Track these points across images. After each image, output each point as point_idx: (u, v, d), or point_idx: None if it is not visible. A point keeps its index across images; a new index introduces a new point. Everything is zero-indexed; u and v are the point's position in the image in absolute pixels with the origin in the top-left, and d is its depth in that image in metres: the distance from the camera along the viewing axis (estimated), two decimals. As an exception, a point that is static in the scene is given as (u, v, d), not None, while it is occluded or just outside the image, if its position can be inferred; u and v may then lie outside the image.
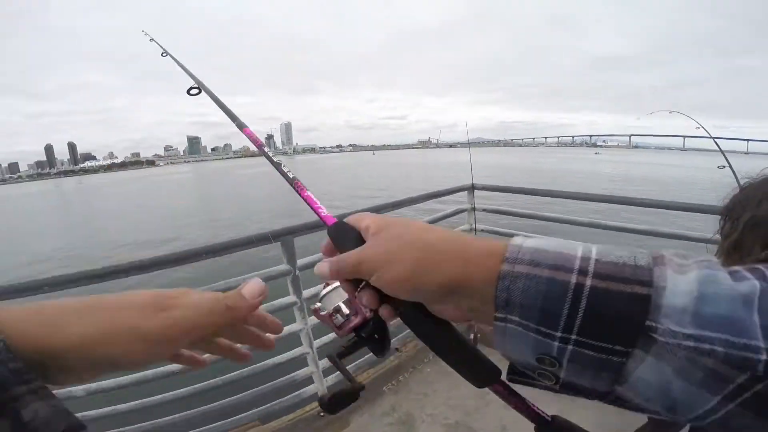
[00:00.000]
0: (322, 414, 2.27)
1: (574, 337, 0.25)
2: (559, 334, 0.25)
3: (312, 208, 0.45)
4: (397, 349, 2.84)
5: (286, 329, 2.08)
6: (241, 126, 0.61)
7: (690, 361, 0.22)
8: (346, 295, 0.53)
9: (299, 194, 0.47)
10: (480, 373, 0.35)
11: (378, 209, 2.36)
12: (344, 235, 0.37)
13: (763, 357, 0.21)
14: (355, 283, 0.37)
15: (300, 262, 2.01)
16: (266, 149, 0.53)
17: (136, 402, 1.79)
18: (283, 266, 1.97)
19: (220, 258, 1.88)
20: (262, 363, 2.06)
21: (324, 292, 0.56)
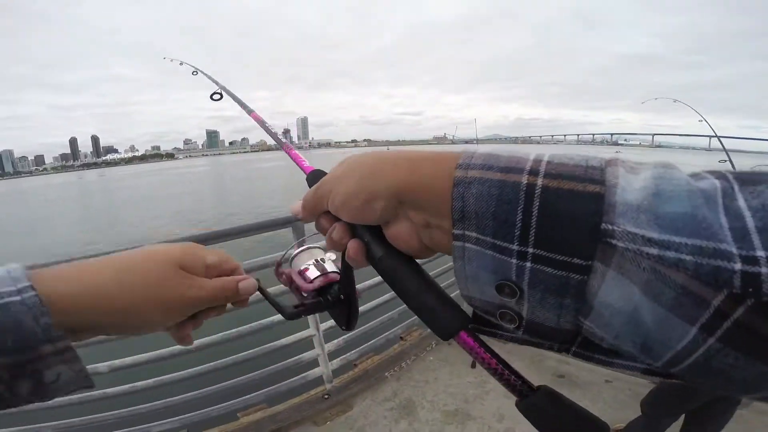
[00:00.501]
0: (326, 396, 2.38)
1: (531, 250, 0.23)
2: (515, 247, 0.24)
3: (296, 162, 0.53)
4: (401, 338, 2.92)
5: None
6: (249, 111, 0.74)
7: (656, 275, 0.20)
8: (318, 256, 0.53)
9: (287, 153, 0.57)
10: (446, 317, 0.32)
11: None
12: (317, 179, 0.39)
13: (738, 266, 0.18)
14: (329, 222, 0.37)
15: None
16: (282, 139, 0.64)
17: (148, 381, 1.91)
18: (294, 251, 2.04)
19: (241, 240, 2.05)
20: (270, 344, 2.17)
21: (296, 251, 0.54)
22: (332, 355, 2.42)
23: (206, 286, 0.41)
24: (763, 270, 0.18)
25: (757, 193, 0.19)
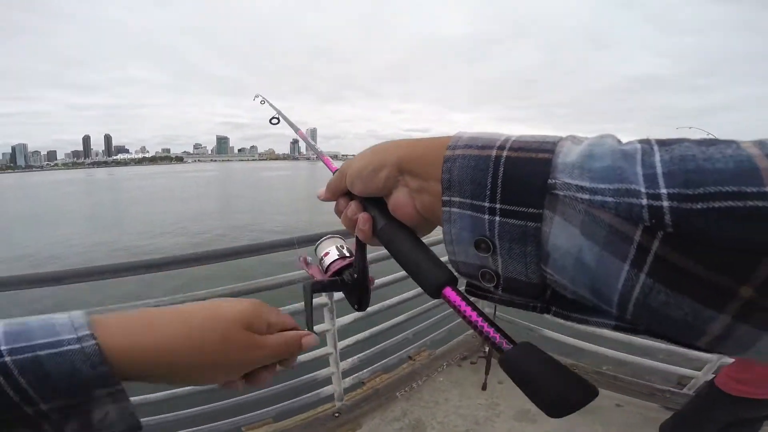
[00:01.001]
0: (336, 414, 2.36)
1: (498, 206, 0.29)
2: (486, 204, 0.29)
3: (327, 166, 0.60)
4: (409, 357, 2.90)
5: (314, 328, 2.19)
6: (296, 129, 0.87)
7: (589, 216, 0.24)
8: (338, 243, 0.60)
9: (322, 160, 0.67)
10: (434, 274, 0.35)
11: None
12: None
13: (644, 201, 0.22)
14: (345, 202, 0.44)
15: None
16: (319, 148, 0.75)
17: (158, 394, 1.86)
18: (318, 268, 2.02)
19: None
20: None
21: (318, 241, 0.61)
22: (346, 374, 2.41)
23: (268, 343, 0.43)
24: (665, 203, 0.21)
25: (670, 150, 0.23)
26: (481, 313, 0.32)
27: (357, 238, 0.45)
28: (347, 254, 0.58)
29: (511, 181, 0.28)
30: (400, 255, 0.38)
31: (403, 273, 0.39)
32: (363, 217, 0.41)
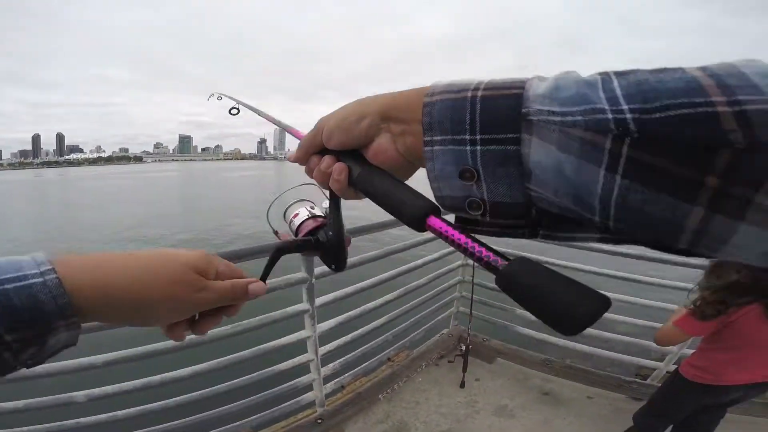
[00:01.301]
0: (319, 421, 2.33)
1: (478, 136, 0.31)
2: (468, 136, 0.32)
3: (296, 136, 0.57)
4: (388, 359, 2.91)
5: (295, 336, 2.14)
6: (262, 114, 0.78)
7: (563, 134, 0.27)
8: (307, 204, 0.58)
9: (292, 134, 0.60)
10: (415, 206, 0.35)
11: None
12: None
13: (610, 115, 0.25)
14: (318, 159, 0.44)
15: (317, 270, 2.02)
16: (288, 124, 0.65)
17: (129, 410, 1.78)
18: (301, 274, 1.99)
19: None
20: (267, 369, 2.09)
21: (288, 205, 0.60)
22: (327, 379, 2.38)
23: (216, 287, 0.44)
24: (627, 115, 0.24)
25: (626, 77, 0.26)
26: (468, 235, 0.32)
27: (331, 194, 0.46)
28: (319, 214, 0.56)
29: (488, 113, 0.31)
30: (379, 195, 0.38)
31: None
32: (338, 167, 0.42)
